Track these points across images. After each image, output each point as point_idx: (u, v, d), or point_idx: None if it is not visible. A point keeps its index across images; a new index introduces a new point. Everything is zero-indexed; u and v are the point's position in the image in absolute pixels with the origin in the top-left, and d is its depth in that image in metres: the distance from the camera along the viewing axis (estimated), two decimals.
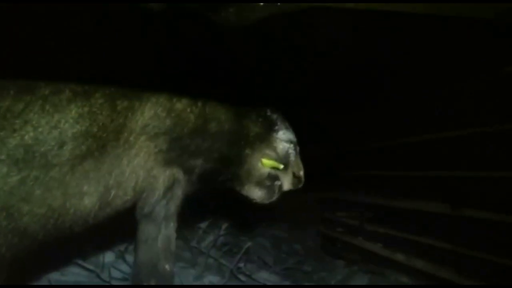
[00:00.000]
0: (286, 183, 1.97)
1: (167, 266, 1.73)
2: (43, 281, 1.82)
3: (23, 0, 1.36)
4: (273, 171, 1.92)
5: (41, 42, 1.52)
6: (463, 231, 2.18)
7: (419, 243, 2.49)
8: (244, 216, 3.19)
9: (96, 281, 1.96)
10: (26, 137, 1.30)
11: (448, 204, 2.28)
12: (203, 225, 2.73)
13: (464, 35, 1.78)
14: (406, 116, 2.73)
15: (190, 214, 1.83)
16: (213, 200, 2.45)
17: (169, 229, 1.75)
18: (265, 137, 1.94)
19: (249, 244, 2.52)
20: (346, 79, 2.73)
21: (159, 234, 1.72)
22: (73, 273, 1.96)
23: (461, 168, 2.23)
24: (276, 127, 1.98)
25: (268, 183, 1.91)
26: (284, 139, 1.96)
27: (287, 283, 2.49)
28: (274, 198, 1.95)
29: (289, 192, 2.03)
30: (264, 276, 2.46)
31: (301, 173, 1.98)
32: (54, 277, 1.88)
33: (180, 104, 1.66)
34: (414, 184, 2.64)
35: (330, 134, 3.54)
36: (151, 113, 1.58)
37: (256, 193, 1.93)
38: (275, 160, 1.91)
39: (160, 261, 1.72)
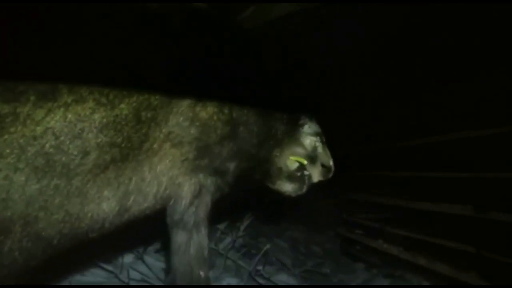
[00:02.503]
0: (316, 175, 1.98)
1: (202, 273, 1.71)
2: (63, 282, 1.84)
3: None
4: (301, 165, 1.94)
5: (64, 47, 1.51)
6: (487, 234, 2.12)
7: (442, 246, 2.43)
8: (262, 218, 3.18)
9: (115, 282, 1.97)
10: (47, 145, 1.27)
11: (471, 206, 2.22)
12: (221, 226, 2.73)
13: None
14: (428, 116, 2.67)
15: (208, 215, 1.82)
16: (231, 201, 2.46)
17: (201, 236, 1.73)
18: (292, 133, 1.96)
19: (267, 246, 2.51)
20: (363, 77, 2.70)
21: (191, 241, 1.70)
22: (92, 274, 1.98)
23: (486, 170, 2.17)
24: (301, 122, 2.00)
25: (298, 174, 1.93)
26: (309, 133, 1.98)
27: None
28: (305, 189, 1.96)
29: (307, 193, 2.03)
30: (282, 279, 2.44)
31: (330, 162, 1.99)
32: (74, 277, 1.90)
33: (205, 113, 1.64)
34: (437, 186, 2.58)
35: (351, 135, 3.50)
36: (173, 122, 1.56)
37: (287, 187, 1.94)
38: (303, 157, 1.93)
39: (194, 268, 1.70)
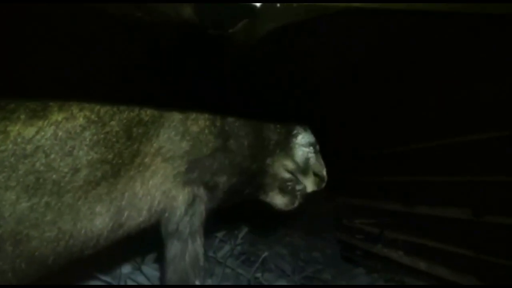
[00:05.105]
0: (310, 185, 1.97)
1: (197, 282, 1.70)
2: None
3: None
4: (294, 176, 1.94)
5: (54, 64, 1.51)
6: (487, 238, 2.11)
7: (441, 251, 2.42)
8: (261, 225, 3.17)
9: None
10: (38, 163, 1.27)
11: (470, 210, 2.21)
12: (220, 234, 2.73)
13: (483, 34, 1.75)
14: (426, 120, 2.67)
15: (206, 223, 1.82)
16: (229, 209, 2.47)
17: (196, 245, 1.71)
18: (285, 144, 1.95)
19: (266, 253, 2.50)
20: (362, 83, 2.70)
21: (186, 250, 1.68)
22: (90, 285, 1.98)
23: (484, 173, 2.16)
24: (295, 132, 1.99)
25: (290, 187, 1.93)
26: (303, 144, 1.97)
27: None
28: (297, 203, 1.96)
29: (307, 198, 2.03)
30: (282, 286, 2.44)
31: (324, 172, 1.98)
32: None
33: (196, 127, 1.64)
34: (435, 190, 2.57)
35: (349, 140, 3.50)
36: (165, 137, 1.56)
37: (279, 200, 1.95)
38: (294, 169, 1.93)
39: (189, 278, 1.68)
